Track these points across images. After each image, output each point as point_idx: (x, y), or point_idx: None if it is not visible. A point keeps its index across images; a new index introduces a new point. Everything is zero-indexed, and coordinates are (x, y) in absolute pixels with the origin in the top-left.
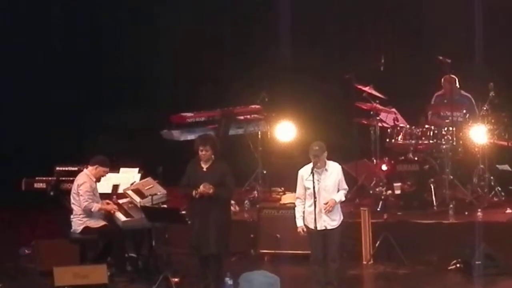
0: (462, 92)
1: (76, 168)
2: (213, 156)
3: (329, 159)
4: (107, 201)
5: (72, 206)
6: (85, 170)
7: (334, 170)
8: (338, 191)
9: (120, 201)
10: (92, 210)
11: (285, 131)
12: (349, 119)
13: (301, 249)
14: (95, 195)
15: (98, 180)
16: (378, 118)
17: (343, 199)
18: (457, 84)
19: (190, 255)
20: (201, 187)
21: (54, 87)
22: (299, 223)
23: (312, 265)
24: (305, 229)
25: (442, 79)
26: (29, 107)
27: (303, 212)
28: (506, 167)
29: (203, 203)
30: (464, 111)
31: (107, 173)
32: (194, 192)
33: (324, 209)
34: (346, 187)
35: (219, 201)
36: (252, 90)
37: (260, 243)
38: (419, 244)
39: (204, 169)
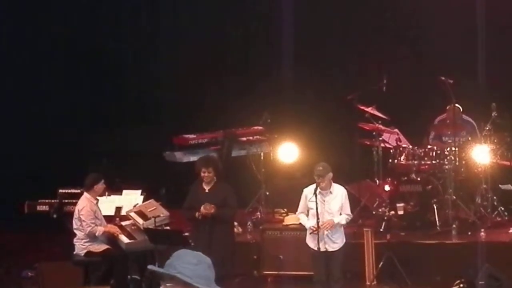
0: (464, 117)
1: (79, 191)
2: (215, 178)
3: (332, 180)
4: (111, 225)
5: (75, 231)
6: (85, 194)
7: (338, 193)
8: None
9: (123, 223)
10: (97, 234)
11: (288, 152)
12: (351, 140)
13: (304, 270)
14: (97, 218)
15: (101, 195)
16: (380, 138)
17: (343, 222)
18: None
19: None
20: (202, 208)
21: (57, 109)
22: (309, 224)
23: (315, 286)
24: (316, 226)
25: (447, 107)
26: (31, 130)
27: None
28: (509, 187)
29: (206, 225)
30: (464, 133)
31: (104, 185)
32: (197, 214)
33: (322, 227)
34: (349, 212)
35: (222, 223)
36: (254, 111)
37: (263, 264)
38: (422, 265)
39: (206, 191)
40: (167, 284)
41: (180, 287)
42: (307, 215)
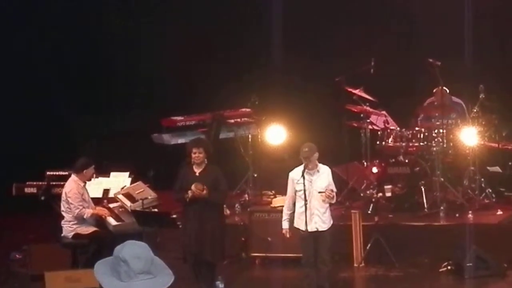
0: (454, 98)
1: (67, 173)
2: (206, 160)
3: (320, 162)
4: (100, 207)
5: (63, 213)
6: (72, 176)
7: (325, 172)
8: None
9: (111, 205)
10: (85, 216)
11: (276, 134)
12: (339, 122)
13: (292, 252)
14: (85, 200)
15: (89, 180)
16: (368, 120)
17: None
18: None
19: (181, 259)
20: (192, 187)
21: (45, 91)
22: (285, 225)
23: (304, 268)
24: (289, 232)
25: (434, 90)
26: (20, 112)
27: (289, 215)
28: (496, 169)
29: (197, 209)
30: (454, 115)
31: (93, 170)
32: (185, 196)
33: (326, 196)
34: (335, 189)
35: (213, 207)
36: (242, 93)
37: (251, 246)
38: (410, 247)
39: (197, 174)
40: None
41: None
42: (295, 198)
